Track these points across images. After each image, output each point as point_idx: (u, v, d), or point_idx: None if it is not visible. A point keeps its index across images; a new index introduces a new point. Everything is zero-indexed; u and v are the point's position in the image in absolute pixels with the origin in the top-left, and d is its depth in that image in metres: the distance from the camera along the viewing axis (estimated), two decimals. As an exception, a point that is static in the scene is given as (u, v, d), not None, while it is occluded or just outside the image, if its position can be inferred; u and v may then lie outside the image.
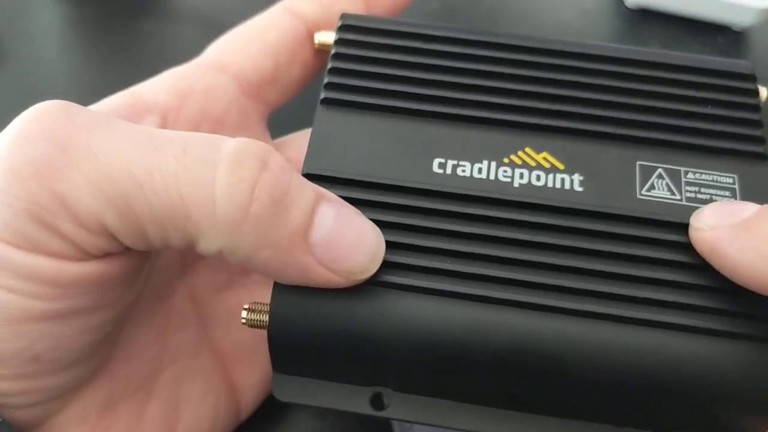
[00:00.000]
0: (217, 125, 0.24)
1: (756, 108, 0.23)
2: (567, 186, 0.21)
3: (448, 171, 0.21)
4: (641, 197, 0.21)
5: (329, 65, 0.23)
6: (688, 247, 0.20)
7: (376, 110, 0.22)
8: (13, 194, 0.17)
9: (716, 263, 0.19)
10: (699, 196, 0.22)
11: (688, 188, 0.22)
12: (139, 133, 0.18)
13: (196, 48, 0.26)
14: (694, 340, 0.19)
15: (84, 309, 0.19)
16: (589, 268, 0.20)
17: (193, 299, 0.24)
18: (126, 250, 0.19)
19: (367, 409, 0.20)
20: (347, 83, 0.23)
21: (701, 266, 0.20)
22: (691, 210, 0.21)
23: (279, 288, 0.20)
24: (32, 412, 0.20)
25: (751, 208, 0.19)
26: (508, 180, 0.21)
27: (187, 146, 0.18)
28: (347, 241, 0.19)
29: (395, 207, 0.21)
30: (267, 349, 0.25)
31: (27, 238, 0.18)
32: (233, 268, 0.25)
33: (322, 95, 0.22)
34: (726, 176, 0.22)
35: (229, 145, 0.18)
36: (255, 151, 0.19)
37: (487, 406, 0.20)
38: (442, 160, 0.21)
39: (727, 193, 0.22)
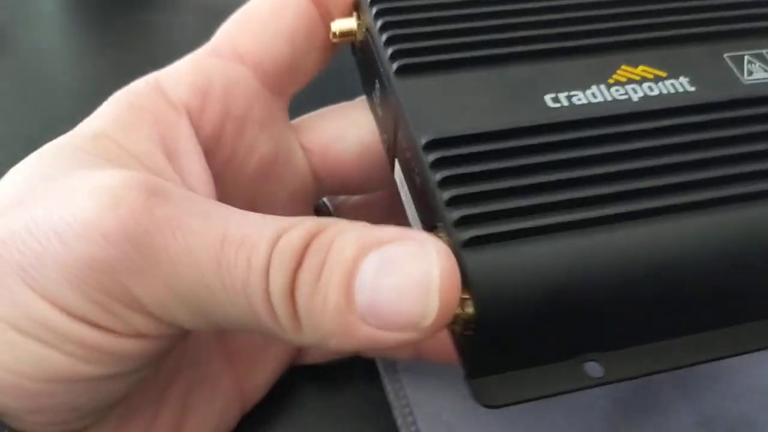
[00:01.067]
0: (241, 123, 0.23)
1: None
2: (680, 89, 0.21)
3: (565, 102, 0.20)
4: (747, 82, 0.22)
5: (384, 36, 0.21)
6: None
7: (460, 65, 0.21)
8: (85, 283, 0.17)
9: None
10: None
11: None
12: (210, 239, 0.18)
13: (197, 37, 0.25)
14: None
15: (132, 372, 0.19)
16: (742, 152, 0.20)
17: None
18: (180, 333, 0.19)
19: (586, 381, 0.18)
20: (416, 46, 0.21)
21: None
22: None
23: (475, 264, 0.17)
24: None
25: None
26: (625, 97, 0.21)
27: (249, 258, 0.17)
28: (388, 297, 0.17)
29: (531, 148, 0.19)
30: (281, 354, 0.25)
31: (90, 318, 0.18)
32: None
33: (395, 66, 0.21)
34: None
35: (282, 241, 0.17)
36: (291, 248, 0.17)
37: (695, 333, 0.19)
38: (553, 95, 0.21)
39: None
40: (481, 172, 0.19)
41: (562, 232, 0.18)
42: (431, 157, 0.19)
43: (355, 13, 0.23)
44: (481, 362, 0.18)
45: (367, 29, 0.23)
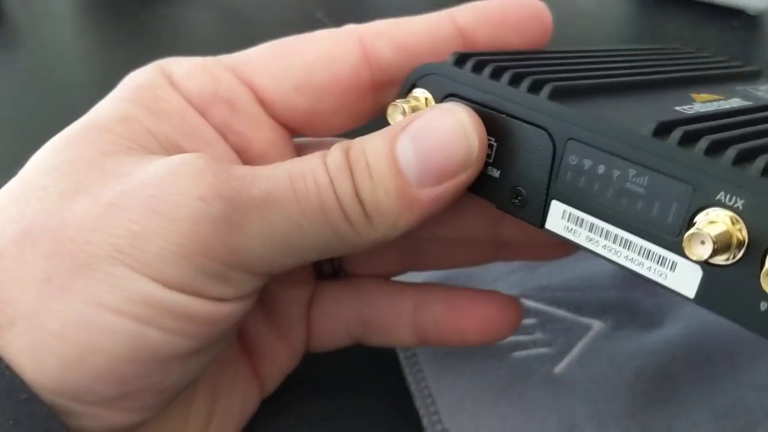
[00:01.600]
0: (243, 139, 0.22)
1: None
2: (736, 105, 0.22)
3: (698, 109, 0.21)
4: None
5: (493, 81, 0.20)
6: None
7: (591, 92, 0.21)
8: (191, 251, 0.18)
9: None
10: None
11: None
12: (280, 181, 0.19)
13: (209, 31, 0.25)
14: None
15: (216, 344, 0.20)
16: None
17: None
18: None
19: None
20: (559, 86, 0.20)
21: None
22: None
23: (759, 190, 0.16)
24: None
25: None
26: (716, 107, 0.21)
27: (315, 182, 0.19)
28: (435, 150, 0.19)
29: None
30: (293, 343, 0.25)
31: (195, 287, 0.18)
32: None
33: (549, 88, 0.20)
34: None
35: (328, 160, 0.19)
36: (339, 163, 0.19)
37: None
38: (680, 107, 0.21)
39: None
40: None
41: None
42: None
43: (411, 92, 0.21)
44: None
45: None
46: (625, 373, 0.27)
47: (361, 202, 0.19)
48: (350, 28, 0.22)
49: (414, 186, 0.19)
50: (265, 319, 0.25)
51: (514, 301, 0.26)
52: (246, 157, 0.22)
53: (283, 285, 0.25)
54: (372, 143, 0.19)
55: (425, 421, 0.25)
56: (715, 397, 0.26)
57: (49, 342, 0.17)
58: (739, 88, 0.24)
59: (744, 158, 0.17)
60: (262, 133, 0.22)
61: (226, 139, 0.22)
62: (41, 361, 0.17)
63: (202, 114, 0.22)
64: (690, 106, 0.21)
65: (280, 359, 0.25)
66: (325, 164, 0.19)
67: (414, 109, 0.21)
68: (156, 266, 0.17)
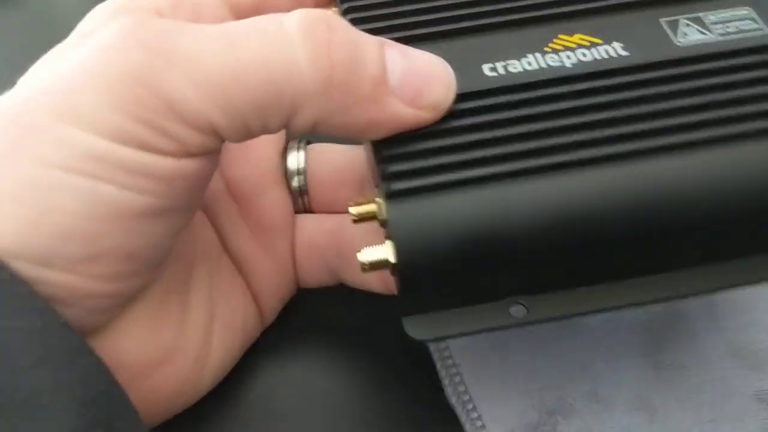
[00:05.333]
0: None
1: None
2: (613, 54, 0.22)
3: (501, 71, 0.22)
4: (680, 44, 0.22)
5: (344, 5, 0.23)
6: (742, 68, 0.22)
7: (410, 40, 0.22)
8: (121, 99, 0.18)
9: None
10: (728, 30, 0.23)
11: (714, 27, 0.23)
12: (216, 31, 0.19)
13: None
14: None
15: (177, 207, 0.20)
16: (673, 107, 0.21)
17: (202, 206, 0.25)
18: (218, 147, 0.20)
19: (509, 320, 0.20)
20: (369, 26, 0.22)
21: (762, 78, 0.21)
22: (728, 42, 0.22)
23: (396, 214, 0.19)
24: (103, 316, 0.20)
25: None
26: (559, 64, 0.22)
27: (260, 31, 0.19)
28: (422, 74, 0.20)
29: (468, 111, 0.21)
30: (280, 260, 0.26)
31: (136, 138, 0.18)
32: (228, 175, 0.26)
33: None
34: (740, 10, 0.23)
35: (295, 17, 0.19)
36: (318, 16, 0.20)
37: (622, 279, 0.20)
38: (491, 65, 0.22)
39: (749, 22, 0.23)
40: (414, 135, 0.20)
41: (480, 184, 0.20)
42: None
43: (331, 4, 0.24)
44: (411, 302, 0.20)
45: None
46: (638, 312, 0.27)
47: (330, 58, 0.19)
48: None
49: (388, 87, 0.20)
50: (251, 233, 0.25)
51: None
52: None
53: (262, 202, 0.26)
54: (359, 31, 0.20)
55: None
56: (728, 335, 0.26)
57: (5, 206, 0.18)
58: (666, 19, 0.23)
59: (396, 177, 0.20)
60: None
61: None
62: (7, 228, 0.18)
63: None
64: (515, 61, 0.22)
65: (270, 277, 0.26)
66: (295, 14, 0.19)
67: None
68: (95, 119, 0.18)
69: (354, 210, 0.21)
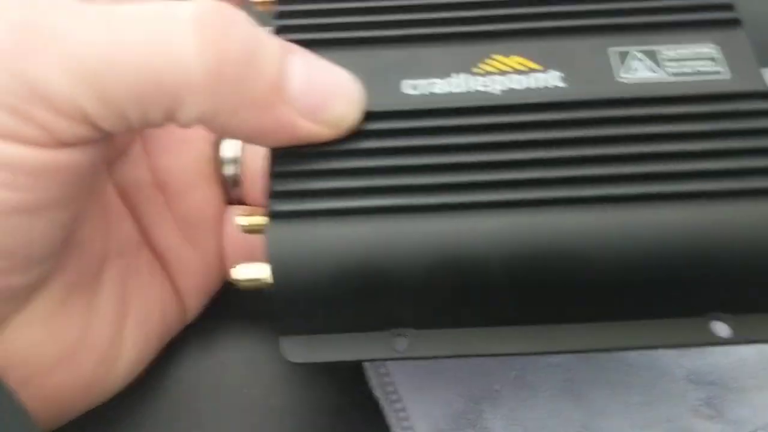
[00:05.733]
0: None
1: None
2: (550, 84, 0.21)
3: (422, 90, 0.20)
4: (621, 79, 0.21)
5: (278, 10, 0.22)
6: (687, 117, 0.20)
7: (330, 45, 0.21)
8: None
9: None
10: (683, 70, 0.21)
11: (668, 64, 0.21)
12: (99, 13, 0.18)
13: None
14: (720, 204, 0.19)
15: (56, 202, 0.19)
16: (594, 154, 0.19)
17: (122, 196, 0.24)
18: (98, 137, 0.19)
19: (388, 353, 0.19)
20: (298, 24, 0.22)
21: (704, 133, 0.20)
22: (678, 84, 0.21)
23: (274, 235, 0.19)
24: None
25: None
26: (487, 88, 0.20)
27: (150, 15, 0.18)
28: (325, 87, 0.19)
29: (376, 133, 0.20)
30: (206, 256, 0.25)
31: (6, 130, 0.17)
32: (156, 164, 0.24)
33: (277, 33, 0.22)
34: (704, 47, 0.21)
35: (191, 6, 0.18)
36: (219, 8, 0.18)
37: (509, 325, 0.20)
38: (413, 81, 0.21)
39: (709, 63, 0.21)
40: (312, 151, 0.20)
41: (369, 215, 0.19)
42: None
43: None
44: (288, 323, 0.19)
45: None
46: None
47: (220, 53, 0.18)
48: None
49: (287, 100, 0.19)
50: (176, 228, 0.25)
51: None
52: None
53: (191, 196, 0.25)
54: (264, 31, 0.19)
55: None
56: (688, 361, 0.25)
57: None
58: (617, 49, 0.21)
59: (282, 196, 0.19)
60: None
61: None
62: None
63: None
64: (438, 80, 0.21)
65: (196, 273, 0.25)
66: (192, 3, 0.18)
67: None
68: None
69: (243, 221, 0.20)
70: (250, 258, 0.25)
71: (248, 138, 0.20)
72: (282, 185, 0.19)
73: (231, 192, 0.25)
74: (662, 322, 0.19)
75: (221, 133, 0.20)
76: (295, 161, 0.20)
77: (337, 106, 0.19)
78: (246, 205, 0.26)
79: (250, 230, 0.20)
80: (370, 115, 0.20)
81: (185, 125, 0.19)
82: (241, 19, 0.19)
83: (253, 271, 0.19)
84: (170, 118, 0.19)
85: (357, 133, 0.20)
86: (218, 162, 0.25)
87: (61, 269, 0.21)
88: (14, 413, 0.19)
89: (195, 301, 0.25)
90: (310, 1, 0.22)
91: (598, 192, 0.19)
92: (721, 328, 0.19)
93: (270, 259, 0.19)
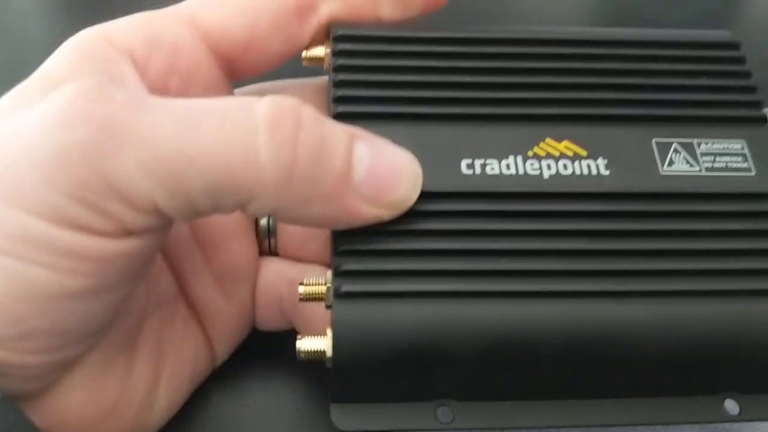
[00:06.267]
0: (186, 82, 0.22)
1: (747, 74, 0.24)
2: (594, 171, 0.22)
3: (477, 171, 0.21)
4: (664, 173, 0.22)
5: (335, 78, 0.23)
6: (719, 215, 0.22)
7: (392, 119, 0.22)
8: (59, 178, 0.17)
9: None
10: (715, 165, 0.22)
11: (704, 158, 0.22)
12: (177, 109, 0.19)
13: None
14: (744, 302, 0.21)
15: (116, 284, 0.19)
16: (636, 248, 0.21)
17: (163, 252, 0.24)
18: (164, 225, 0.19)
19: (433, 424, 0.20)
20: (357, 95, 0.22)
21: (740, 231, 0.21)
22: (711, 180, 0.22)
23: (340, 313, 0.20)
24: (41, 382, 0.20)
25: None
26: (537, 173, 0.21)
27: (225, 116, 0.19)
28: (387, 173, 0.20)
29: (435, 214, 0.21)
30: (239, 305, 0.26)
31: (71, 218, 0.18)
32: (195, 221, 0.25)
33: (336, 110, 0.22)
34: (735, 142, 0.23)
35: (263, 107, 0.19)
36: (289, 109, 0.19)
37: (551, 399, 0.21)
38: (470, 161, 0.21)
39: (739, 159, 0.23)
40: (375, 230, 0.20)
41: (428, 298, 0.20)
42: None
43: (327, 42, 0.24)
44: (341, 392, 0.20)
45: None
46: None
47: (295, 155, 0.19)
48: None
49: (352, 187, 0.19)
50: (213, 280, 0.25)
51: None
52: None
53: (228, 249, 0.25)
54: (331, 123, 0.20)
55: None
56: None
57: None
58: (659, 140, 0.23)
59: (348, 275, 0.20)
60: (204, 71, 0.23)
61: (168, 82, 0.22)
62: None
63: (144, 61, 0.21)
64: (494, 162, 0.21)
65: (228, 323, 0.26)
66: (264, 103, 0.19)
67: (312, 57, 0.24)
68: (29, 197, 0.17)
69: (303, 289, 0.21)
70: (279, 308, 0.26)
71: (317, 226, 0.20)
72: (346, 265, 0.20)
73: (264, 243, 0.26)
74: (683, 399, 0.22)
75: (290, 223, 0.20)
76: (356, 241, 0.20)
77: (400, 189, 0.20)
78: (279, 256, 0.26)
79: (309, 298, 0.21)
80: (429, 195, 0.21)
81: (255, 216, 0.20)
82: (310, 117, 0.19)
83: (318, 344, 0.20)
84: (241, 209, 0.19)
85: (417, 213, 0.21)
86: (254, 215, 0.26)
87: (106, 335, 0.21)
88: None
89: (224, 348, 0.26)
90: (366, 72, 0.23)
91: (635, 286, 0.20)
92: (732, 406, 0.22)
93: (336, 335, 0.20)
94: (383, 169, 0.20)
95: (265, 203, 0.19)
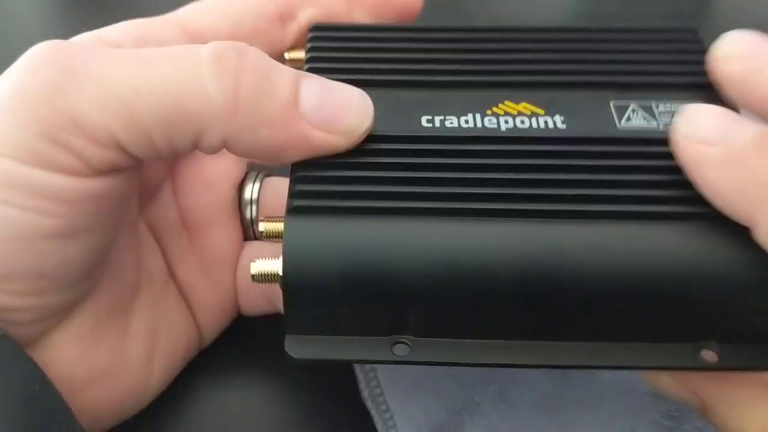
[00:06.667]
0: None
1: (704, 51, 0.24)
2: (551, 125, 0.23)
3: (437, 124, 0.23)
4: (621, 127, 0.23)
5: (308, 56, 0.25)
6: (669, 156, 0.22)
7: (359, 85, 0.23)
8: (24, 117, 0.19)
9: (694, 176, 0.20)
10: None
11: (662, 117, 0.23)
12: (129, 53, 0.21)
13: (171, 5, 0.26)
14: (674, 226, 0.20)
15: (89, 228, 0.21)
16: (585, 179, 0.21)
17: (153, 232, 0.26)
18: (130, 165, 0.21)
19: (388, 356, 0.20)
20: (329, 66, 0.24)
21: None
22: (666, 132, 0.22)
23: (291, 228, 0.20)
24: (31, 329, 0.21)
25: (749, 131, 0.19)
26: (495, 126, 0.23)
27: (172, 54, 0.21)
28: (336, 102, 0.21)
29: (393, 151, 0.22)
30: (222, 291, 0.27)
31: (40, 156, 0.19)
32: (183, 204, 0.27)
33: (307, 67, 0.24)
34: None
35: (209, 46, 0.21)
36: (232, 44, 0.21)
37: (507, 339, 0.21)
38: (429, 117, 0.23)
39: None
40: (334, 162, 0.21)
41: (377, 216, 0.20)
42: None
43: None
44: (295, 320, 0.21)
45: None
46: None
47: (237, 82, 0.20)
48: None
49: (300, 116, 0.21)
50: (197, 265, 0.27)
51: None
52: None
53: (212, 234, 0.27)
54: (278, 63, 0.21)
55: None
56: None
57: None
58: (617, 103, 0.24)
59: (302, 195, 0.21)
60: None
61: None
62: None
63: None
64: (453, 118, 0.23)
65: (213, 309, 0.27)
66: (210, 44, 0.21)
67: (293, 59, 0.26)
68: (1, 140, 0.19)
69: (263, 225, 0.22)
70: (262, 293, 0.27)
71: (270, 156, 0.21)
72: (300, 186, 0.21)
73: (249, 231, 0.28)
74: (656, 345, 0.21)
75: (244, 154, 0.21)
76: (313, 168, 0.21)
77: (349, 116, 0.21)
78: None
79: (269, 235, 0.22)
80: (387, 138, 0.22)
81: (210, 150, 0.21)
82: (253, 52, 0.21)
83: (269, 265, 0.21)
84: (196, 144, 0.21)
85: (373, 150, 0.22)
86: (239, 203, 0.27)
87: (96, 294, 0.23)
88: (62, 415, 0.21)
89: (211, 332, 0.27)
90: (341, 50, 0.25)
91: (582, 207, 0.20)
92: (709, 355, 0.21)
93: (286, 249, 0.20)
94: (333, 99, 0.21)
95: (216, 133, 0.20)
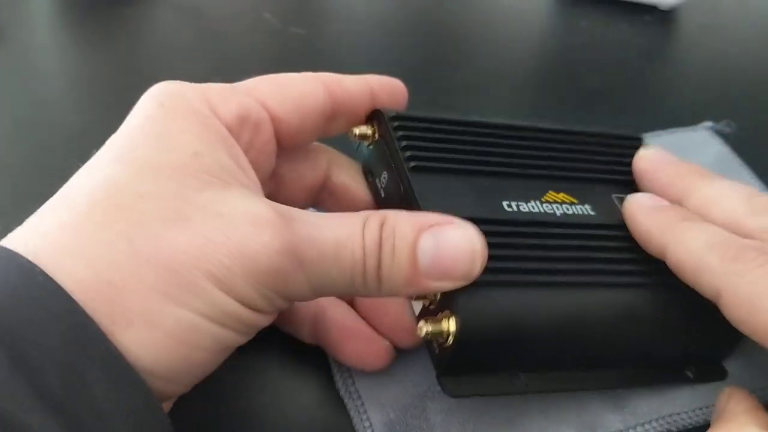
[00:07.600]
0: (257, 152, 0.28)
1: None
2: (585, 212, 0.31)
3: (514, 208, 0.29)
4: (622, 211, 0.31)
5: (402, 142, 0.29)
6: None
7: (451, 172, 0.29)
8: (262, 284, 0.23)
9: (630, 225, 0.30)
10: None
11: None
12: (329, 245, 0.24)
13: (174, 30, 0.28)
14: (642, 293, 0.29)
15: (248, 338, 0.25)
16: (616, 257, 0.29)
17: None
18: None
19: (516, 388, 0.27)
20: (422, 155, 0.29)
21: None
22: None
23: (463, 306, 0.25)
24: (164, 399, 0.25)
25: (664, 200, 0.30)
26: (552, 212, 0.30)
27: (353, 252, 0.24)
28: (449, 255, 0.25)
29: (491, 233, 0.26)
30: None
31: (252, 303, 0.24)
32: None
33: (411, 164, 0.29)
34: None
35: (366, 233, 0.25)
36: (374, 240, 0.25)
37: (578, 370, 0.29)
38: (507, 202, 0.29)
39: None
40: None
41: (517, 288, 0.26)
42: None
43: (369, 123, 0.31)
44: (454, 367, 0.26)
45: (381, 136, 0.30)
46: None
47: (379, 273, 0.25)
48: (315, 75, 0.30)
49: (422, 275, 0.25)
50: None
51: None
52: (256, 166, 0.27)
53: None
54: (402, 229, 0.25)
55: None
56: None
57: (161, 339, 0.22)
58: (617, 195, 0.32)
59: None
60: (270, 148, 0.28)
61: (247, 154, 0.27)
62: (155, 354, 0.22)
63: (236, 137, 0.26)
64: (524, 204, 0.29)
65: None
66: (363, 238, 0.25)
67: (362, 134, 0.31)
68: (237, 290, 0.23)
69: (425, 327, 0.25)
70: (308, 323, 0.31)
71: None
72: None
73: None
74: (653, 369, 0.31)
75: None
76: None
77: (462, 266, 0.25)
78: None
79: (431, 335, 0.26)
80: (489, 221, 0.27)
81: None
82: (398, 228, 0.25)
83: (441, 325, 0.25)
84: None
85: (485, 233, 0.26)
86: None
87: None
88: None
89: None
90: (427, 140, 0.30)
91: (624, 280, 0.29)
92: (689, 374, 0.31)
93: (462, 317, 0.25)
94: (446, 253, 0.25)
95: (368, 294, 0.26)
